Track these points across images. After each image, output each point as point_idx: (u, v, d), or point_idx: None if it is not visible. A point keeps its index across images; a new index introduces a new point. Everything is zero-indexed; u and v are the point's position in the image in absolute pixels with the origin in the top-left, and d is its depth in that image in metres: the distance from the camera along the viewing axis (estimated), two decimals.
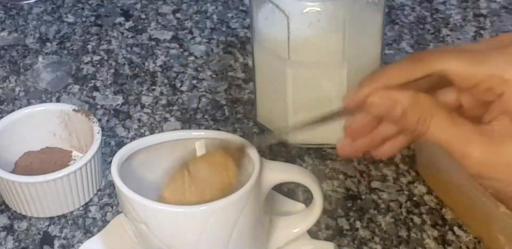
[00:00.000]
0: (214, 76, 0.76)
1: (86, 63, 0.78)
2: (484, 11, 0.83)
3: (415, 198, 0.63)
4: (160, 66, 0.78)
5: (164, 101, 0.73)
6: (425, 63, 0.44)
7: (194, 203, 0.50)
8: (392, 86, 0.44)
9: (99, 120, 0.68)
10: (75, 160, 0.65)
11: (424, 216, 0.61)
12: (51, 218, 0.62)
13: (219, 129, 0.69)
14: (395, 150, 0.50)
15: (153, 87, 0.75)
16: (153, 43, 0.81)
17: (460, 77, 0.43)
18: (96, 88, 0.75)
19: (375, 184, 0.64)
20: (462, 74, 0.43)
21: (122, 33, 0.82)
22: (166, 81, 0.76)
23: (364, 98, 0.45)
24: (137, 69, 0.78)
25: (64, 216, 0.62)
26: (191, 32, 0.82)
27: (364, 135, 0.48)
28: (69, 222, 0.62)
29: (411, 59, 0.45)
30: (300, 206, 0.61)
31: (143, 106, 0.73)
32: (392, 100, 0.44)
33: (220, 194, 0.50)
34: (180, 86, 0.75)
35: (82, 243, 0.59)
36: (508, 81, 0.42)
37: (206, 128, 0.70)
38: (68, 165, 0.61)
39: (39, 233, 0.61)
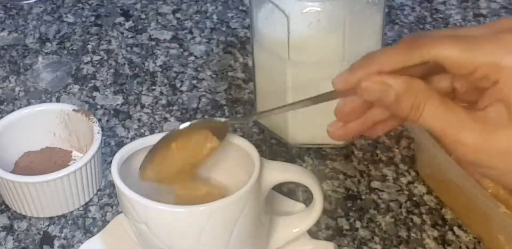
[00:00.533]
0: (214, 76, 0.76)
1: (86, 63, 0.78)
2: (484, 11, 0.83)
3: (415, 198, 0.63)
4: (160, 66, 0.78)
5: (164, 101, 0.73)
6: (420, 51, 0.43)
7: (173, 173, 0.51)
8: (385, 71, 0.43)
9: (99, 120, 0.68)
10: (75, 160, 0.65)
11: (424, 216, 0.61)
12: (51, 218, 0.62)
13: None
14: (386, 130, 0.49)
15: (153, 87, 0.75)
16: (153, 43, 0.81)
17: (455, 64, 0.42)
18: (96, 88, 0.75)
19: (375, 184, 0.64)
20: (457, 62, 0.42)
21: (122, 33, 0.82)
22: (166, 81, 0.76)
23: (356, 82, 0.44)
24: (137, 69, 0.77)
25: (64, 216, 0.62)
26: (191, 32, 0.82)
27: (356, 118, 0.47)
28: (69, 222, 0.62)
29: (406, 46, 0.43)
30: (300, 206, 0.61)
31: (143, 106, 0.73)
32: (386, 86, 0.43)
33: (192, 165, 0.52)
34: (180, 86, 0.75)
35: (82, 243, 0.59)
36: (503, 68, 0.41)
37: None
38: (68, 165, 0.61)
39: (39, 233, 0.61)
